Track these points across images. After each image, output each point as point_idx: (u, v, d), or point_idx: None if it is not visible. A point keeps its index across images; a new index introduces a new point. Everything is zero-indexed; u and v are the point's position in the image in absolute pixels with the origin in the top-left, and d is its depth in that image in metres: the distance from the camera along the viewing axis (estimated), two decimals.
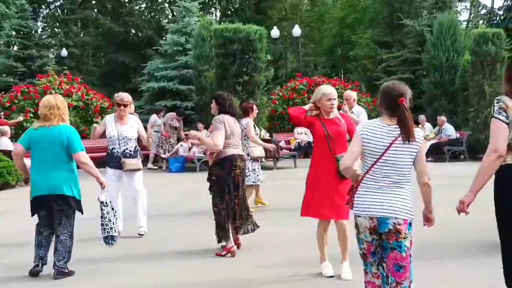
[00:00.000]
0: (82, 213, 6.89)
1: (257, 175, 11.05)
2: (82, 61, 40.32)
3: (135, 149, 8.96)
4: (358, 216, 4.39)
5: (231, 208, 7.59)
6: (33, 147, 6.74)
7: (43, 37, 38.69)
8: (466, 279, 6.36)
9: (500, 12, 31.05)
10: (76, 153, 6.70)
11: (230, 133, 7.60)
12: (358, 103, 10.87)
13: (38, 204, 6.74)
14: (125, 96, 9.06)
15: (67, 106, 6.97)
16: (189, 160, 20.08)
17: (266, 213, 10.53)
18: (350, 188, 4.54)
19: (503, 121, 4.18)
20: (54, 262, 6.66)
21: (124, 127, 8.89)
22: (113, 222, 7.02)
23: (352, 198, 4.47)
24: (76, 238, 6.92)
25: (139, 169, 8.94)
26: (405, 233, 4.32)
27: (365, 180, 4.38)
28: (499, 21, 30.32)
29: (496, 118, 4.22)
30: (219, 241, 7.66)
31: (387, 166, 4.32)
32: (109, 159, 8.97)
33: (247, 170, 10.51)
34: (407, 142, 4.32)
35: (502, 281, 4.50)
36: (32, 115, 20.60)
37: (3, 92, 24.10)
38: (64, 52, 36.80)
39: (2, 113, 21.44)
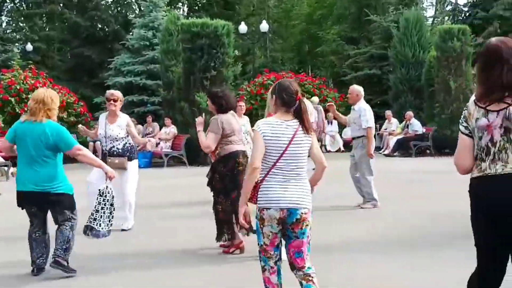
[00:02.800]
0: (74, 209, 6.62)
1: None
2: (48, 56, 39.77)
3: (124, 147, 8.92)
4: (267, 209, 4.53)
5: (236, 206, 7.31)
6: (18, 142, 6.55)
7: (8, 31, 38.13)
8: (411, 274, 6.42)
9: (465, 9, 31.45)
10: (71, 149, 6.50)
11: (231, 131, 7.48)
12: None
13: (25, 198, 6.51)
14: (115, 92, 9.17)
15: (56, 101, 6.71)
16: (156, 155, 20.00)
17: None
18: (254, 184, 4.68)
19: (463, 133, 3.76)
20: (53, 251, 6.50)
21: (112, 126, 8.90)
22: (99, 215, 6.68)
23: (256, 194, 4.63)
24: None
25: (122, 168, 8.83)
26: (308, 220, 4.59)
27: (271, 175, 4.57)
28: (464, 17, 30.71)
29: (459, 129, 3.80)
30: (219, 240, 7.54)
31: (291, 159, 4.56)
32: (102, 156, 9.04)
33: None
34: (305, 134, 4.61)
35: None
36: None
37: None
38: (29, 47, 36.28)
39: None
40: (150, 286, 6.27)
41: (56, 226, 6.59)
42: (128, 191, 8.97)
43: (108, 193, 6.75)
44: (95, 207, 6.70)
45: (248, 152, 8.54)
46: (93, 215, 6.67)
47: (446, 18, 35.80)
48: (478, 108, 3.67)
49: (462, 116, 3.77)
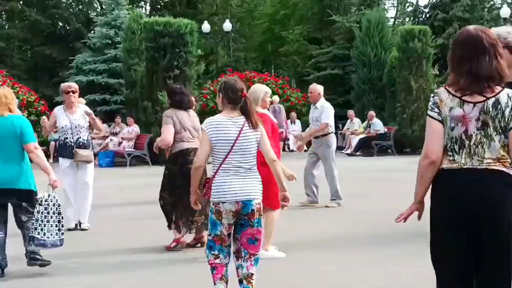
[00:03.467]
0: (35, 206, 6.40)
1: None
2: (7, 55, 39.10)
3: (87, 138, 8.92)
4: (222, 202, 4.78)
5: (183, 202, 7.20)
6: None
7: None
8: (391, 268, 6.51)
9: (426, 10, 31.87)
10: (28, 144, 6.36)
11: (181, 127, 7.47)
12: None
13: None
14: (72, 84, 9.16)
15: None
16: (119, 154, 19.85)
17: None
18: (206, 181, 4.98)
19: (435, 119, 3.49)
20: (26, 250, 6.40)
21: (75, 116, 8.81)
22: (40, 225, 6.31)
23: (209, 190, 4.86)
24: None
25: (90, 161, 8.87)
26: (260, 210, 4.92)
27: (223, 170, 4.82)
28: (425, 18, 31.14)
29: (428, 115, 3.53)
30: (169, 228, 7.58)
31: (240, 153, 4.82)
32: (61, 150, 8.86)
33: None
34: (252, 130, 4.86)
35: None
36: None
37: None
38: None
39: None
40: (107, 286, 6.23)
41: (17, 220, 6.47)
42: (91, 185, 8.94)
43: (51, 201, 6.41)
44: (35, 217, 6.31)
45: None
46: (33, 225, 6.31)
47: (407, 19, 36.22)
48: (452, 96, 3.48)
49: (431, 103, 3.55)
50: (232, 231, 4.93)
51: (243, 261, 4.93)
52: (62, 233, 6.56)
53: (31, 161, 6.53)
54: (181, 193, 7.25)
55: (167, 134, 7.41)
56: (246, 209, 4.81)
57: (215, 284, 4.89)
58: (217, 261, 4.89)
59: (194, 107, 11.16)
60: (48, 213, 6.39)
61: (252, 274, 4.91)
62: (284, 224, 7.59)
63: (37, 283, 6.32)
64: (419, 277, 5.74)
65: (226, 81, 5.11)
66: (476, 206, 3.37)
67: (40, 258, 6.47)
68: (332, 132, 10.75)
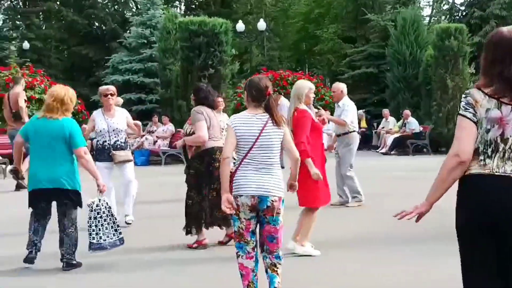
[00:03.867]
0: (81, 207, 6.70)
1: None
2: (45, 54, 39.69)
3: (125, 140, 9.00)
4: (240, 196, 4.90)
5: (209, 202, 7.36)
6: (33, 138, 6.59)
7: (4, 29, 38.03)
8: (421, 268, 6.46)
9: (462, 8, 31.48)
10: (77, 148, 6.53)
11: (210, 125, 7.46)
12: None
13: (39, 197, 6.56)
14: (110, 86, 9.24)
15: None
16: (154, 153, 20.01)
17: None
18: (230, 175, 5.04)
19: (470, 119, 3.30)
20: (63, 254, 6.57)
21: (113, 119, 8.90)
22: (95, 230, 6.62)
23: (230, 184, 4.97)
24: None
25: (129, 161, 8.99)
26: (279, 208, 4.94)
27: (244, 164, 4.94)
28: (461, 16, 30.73)
29: (461, 115, 3.35)
30: (187, 233, 7.57)
31: (262, 149, 4.93)
32: (99, 153, 8.94)
33: None
34: (275, 127, 4.96)
35: None
36: None
37: None
38: (26, 45, 36.23)
39: None
40: (147, 283, 6.29)
41: (60, 225, 6.62)
42: (135, 182, 9.06)
43: (102, 205, 6.69)
44: (88, 224, 6.62)
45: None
46: (88, 231, 6.62)
47: (443, 17, 35.83)
48: (488, 98, 3.31)
49: (464, 103, 3.37)
50: (253, 229, 5.01)
51: (266, 253, 5.03)
52: (120, 233, 6.82)
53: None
54: (208, 192, 7.34)
55: (204, 131, 7.35)
56: (262, 205, 4.89)
57: None
58: (240, 259, 4.98)
59: (219, 108, 11.36)
60: (101, 217, 6.66)
61: (275, 264, 5.00)
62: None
63: (61, 280, 6.42)
64: (447, 277, 5.70)
65: (251, 80, 5.22)
66: (505, 215, 3.20)
67: (76, 263, 6.64)
68: (353, 131, 10.60)
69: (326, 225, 8.12)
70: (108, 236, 6.69)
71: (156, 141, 20.38)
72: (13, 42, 39.28)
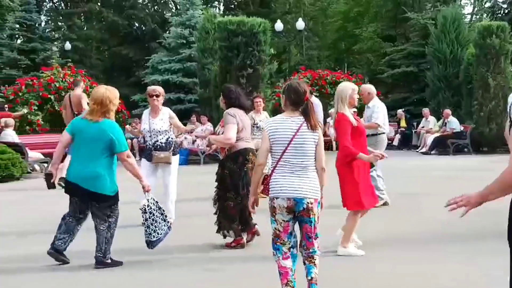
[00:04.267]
0: (114, 210, 6.77)
1: None
2: (86, 55, 40.27)
3: (167, 141, 9.02)
4: (276, 198, 5.00)
5: (245, 202, 7.33)
6: (75, 137, 6.69)
7: (47, 30, 38.65)
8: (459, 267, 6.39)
9: (504, 6, 30.99)
10: (121, 152, 6.64)
11: (242, 127, 7.51)
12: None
13: (71, 189, 6.70)
14: (157, 87, 9.34)
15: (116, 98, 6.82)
16: (193, 152, 20.11)
17: None
18: (265, 177, 5.30)
19: None
20: (96, 252, 6.71)
21: (154, 120, 9.02)
22: (152, 229, 6.83)
23: (267, 186, 5.15)
24: None
25: (167, 162, 9.00)
26: (315, 210, 5.02)
27: (279, 167, 5.04)
28: (503, 14, 30.28)
29: None
30: (225, 236, 7.60)
31: (296, 151, 5.00)
32: (144, 151, 9.33)
33: None
34: (310, 130, 5.02)
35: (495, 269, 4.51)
36: (36, 108, 20.64)
37: (7, 85, 24.12)
38: (67, 46, 36.77)
39: (6, 106, 21.46)
40: (185, 282, 6.33)
41: (93, 221, 6.74)
42: (171, 185, 9.10)
43: (152, 203, 6.90)
44: (144, 225, 6.87)
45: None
46: (147, 231, 6.85)
47: (485, 15, 35.33)
48: None
49: None
50: (291, 230, 5.11)
51: (303, 249, 5.16)
52: (168, 219, 7.10)
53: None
54: (246, 193, 7.30)
55: (233, 133, 7.39)
56: (298, 207, 4.98)
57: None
58: (275, 258, 5.09)
59: (259, 108, 11.53)
60: (153, 215, 6.88)
61: (313, 255, 5.10)
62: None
63: (89, 277, 6.50)
64: (488, 278, 5.62)
65: (290, 84, 5.27)
66: None
67: (109, 263, 6.72)
68: (382, 133, 10.40)
69: (364, 225, 8.09)
70: (162, 229, 6.91)
71: (195, 141, 20.48)
72: (55, 43, 39.88)
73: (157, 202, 7.00)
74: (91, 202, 6.66)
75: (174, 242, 7.70)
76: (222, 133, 7.68)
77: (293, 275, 5.07)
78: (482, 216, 9.04)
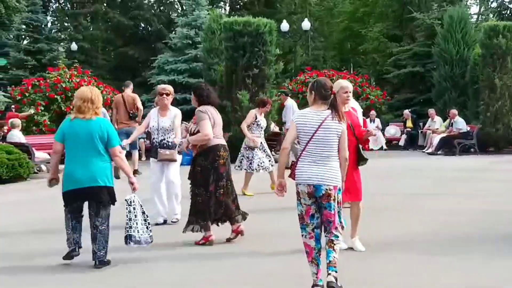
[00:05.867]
0: (114, 204, 6.94)
1: (250, 163, 11.72)
2: (92, 55, 40.32)
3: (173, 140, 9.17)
4: (299, 184, 5.60)
5: (216, 198, 7.68)
6: (69, 139, 6.77)
7: (53, 31, 38.70)
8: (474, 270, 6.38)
9: (511, 6, 30.92)
10: (114, 147, 6.81)
11: (213, 123, 7.77)
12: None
13: (75, 197, 6.76)
14: (167, 86, 9.52)
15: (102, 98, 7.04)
16: None
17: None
18: (291, 163, 5.73)
19: None
20: (95, 251, 6.78)
21: (163, 119, 9.20)
22: (134, 222, 6.87)
23: (294, 172, 5.64)
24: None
25: (172, 160, 9.16)
26: (334, 196, 5.53)
27: (303, 156, 5.58)
28: (510, 14, 30.23)
29: None
30: (185, 230, 7.79)
31: (319, 143, 5.52)
32: (151, 149, 9.44)
33: (242, 157, 11.73)
34: (335, 121, 5.53)
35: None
36: (43, 108, 20.67)
37: (14, 86, 24.18)
38: (74, 46, 36.84)
39: (13, 106, 21.53)
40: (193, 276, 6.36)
41: (93, 224, 6.82)
42: (176, 183, 9.23)
43: (137, 201, 6.94)
44: (127, 217, 6.87)
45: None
46: (128, 224, 6.85)
47: (491, 15, 35.25)
48: None
49: None
50: (313, 213, 5.58)
51: (326, 233, 5.63)
52: (150, 230, 7.02)
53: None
54: (215, 189, 7.65)
55: (209, 129, 7.64)
56: (317, 193, 5.52)
57: (309, 265, 5.60)
58: (303, 239, 5.62)
59: (267, 109, 11.81)
60: (136, 210, 6.89)
61: (333, 240, 5.55)
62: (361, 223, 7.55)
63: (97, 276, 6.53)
64: (504, 278, 5.61)
65: (318, 80, 5.76)
66: None
67: (109, 260, 6.86)
68: None
69: (371, 226, 8.10)
70: (143, 231, 6.91)
71: None
72: (61, 43, 39.95)
73: (142, 206, 6.99)
74: (98, 200, 6.74)
75: (177, 238, 7.75)
76: (197, 130, 7.86)
77: (317, 253, 5.56)
78: (491, 217, 9.08)
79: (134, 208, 6.89)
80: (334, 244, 5.54)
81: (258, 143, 11.75)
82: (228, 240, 7.90)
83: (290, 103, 17.72)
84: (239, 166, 11.86)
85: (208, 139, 7.66)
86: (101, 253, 6.78)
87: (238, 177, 11.79)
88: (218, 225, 7.87)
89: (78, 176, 6.66)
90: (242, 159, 11.86)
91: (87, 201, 6.84)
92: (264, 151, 11.88)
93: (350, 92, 7.23)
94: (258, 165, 11.65)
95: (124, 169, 6.94)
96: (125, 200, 6.90)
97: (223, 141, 7.92)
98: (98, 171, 6.70)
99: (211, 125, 7.68)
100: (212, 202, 7.66)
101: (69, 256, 6.82)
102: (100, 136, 6.71)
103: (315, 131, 5.50)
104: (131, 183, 6.91)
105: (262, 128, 11.91)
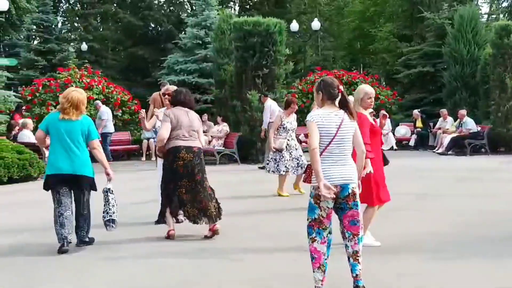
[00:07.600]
0: (96, 190, 7.59)
1: (277, 165, 11.58)
2: (102, 55, 40.45)
3: None
4: (318, 187, 5.24)
5: (176, 196, 7.96)
6: (53, 134, 7.42)
7: (63, 31, 38.83)
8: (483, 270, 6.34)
9: None
10: (93, 140, 7.53)
11: (176, 125, 7.95)
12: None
13: (58, 182, 7.36)
14: (170, 87, 9.68)
15: (86, 99, 7.68)
16: (208, 152, 20.13)
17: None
18: (307, 167, 5.54)
19: None
20: (77, 232, 7.44)
21: None
22: (116, 208, 7.62)
23: (309, 176, 5.44)
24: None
25: None
26: (357, 194, 5.48)
27: (324, 157, 5.34)
28: None
29: None
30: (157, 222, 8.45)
31: (339, 143, 5.40)
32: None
33: (269, 160, 11.69)
34: (350, 120, 5.46)
35: None
36: (53, 108, 20.72)
37: (24, 86, 24.27)
38: (84, 46, 36.96)
39: (23, 107, 21.62)
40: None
41: (76, 211, 7.45)
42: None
43: (113, 191, 7.66)
44: (110, 204, 7.55)
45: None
46: (111, 210, 7.55)
47: (501, 15, 35.10)
48: None
49: None
50: (331, 215, 5.41)
51: (348, 241, 5.46)
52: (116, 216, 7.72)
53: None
54: (174, 188, 7.95)
55: (163, 131, 7.90)
56: (343, 193, 5.36)
57: (313, 272, 5.39)
58: (315, 244, 5.38)
59: (291, 109, 11.78)
60: (113, 199, 7.66)
61: (357, 252, 5.43)
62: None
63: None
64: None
65: (325, 80, 5.62)
66: None
67: (90, 239, 7.59)
68: None
69: (381, 226, 8.07)
70: (116, 216, 7.66)
71: (211, 141, 20.51)
72: (72, 43, 40.09)
73: (114, 197, 7.65)
74: (79, 191, 7.40)
75: (182, 237, 7.75)
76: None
77: (325, 259, 5.40)
78: (502, 217, 9.04)
79: (112, 198, 7.58)
80: (359, 256, 5.44)
81: (283, 145, 11.58)
82: (206, 237, 8.08)
83: (269, 103, 17.48)
84: (267, 169, 11.86)
85: (158, 139, 7.99)
86: (82, 233, 7.45)
87: (274, 178, 12.05)
88: (197, 223, 8.11)
89: (61, 165, 7.29)
90: (269, 161, 11.77)
91: (70, 188, 7.41)
92: (290, 153, 11.67)
93: (373, 97, 7.35)
94: (285, 167, 11.53)
95: (101, 161, 7.52)
96: (108, 189, 7.57)
97: (188, 143, 8.00)
98: (81, 161, 7.35)
99: (170, 128, 7.89)
100: (173, 200, 7.99)
101: (61, 251, 7.27)
102: (82, 132, 7.41)
103: (336, 132, 5.38)
104: (107, 174, 7.57)
105: (289, 130, 11.67)
